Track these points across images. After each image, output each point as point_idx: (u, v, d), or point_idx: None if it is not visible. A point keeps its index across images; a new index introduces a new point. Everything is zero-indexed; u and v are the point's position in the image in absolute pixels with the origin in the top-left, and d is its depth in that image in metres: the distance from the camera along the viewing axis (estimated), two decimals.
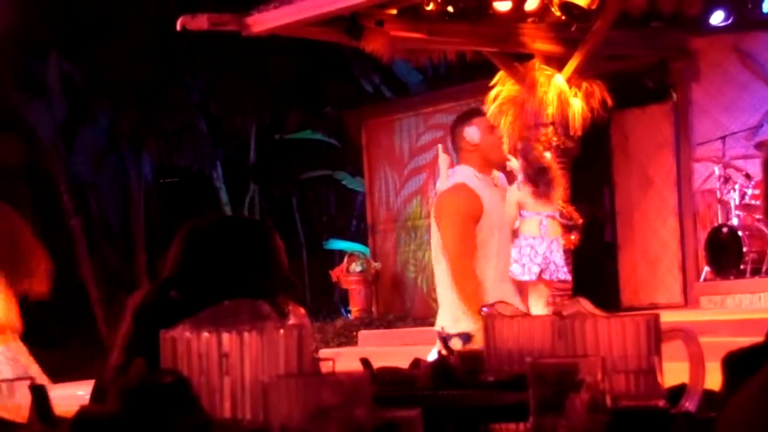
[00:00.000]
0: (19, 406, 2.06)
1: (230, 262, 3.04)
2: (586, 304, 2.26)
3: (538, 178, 9.78)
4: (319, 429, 1.47)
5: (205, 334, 1.82)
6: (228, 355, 1.80)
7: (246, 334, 1.81)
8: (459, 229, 6.12)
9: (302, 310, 1.90)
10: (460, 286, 6.08)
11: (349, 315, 15.53)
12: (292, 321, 1.86)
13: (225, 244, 3.09)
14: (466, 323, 6.01)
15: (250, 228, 3.26)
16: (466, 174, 6.20)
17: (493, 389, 2.32)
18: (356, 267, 15.49)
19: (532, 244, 9.77)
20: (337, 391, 1.48)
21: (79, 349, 15.99)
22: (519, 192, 9.80)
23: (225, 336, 1.81)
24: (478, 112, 6.67)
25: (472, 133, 6.19)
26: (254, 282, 3.01)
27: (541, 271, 9.77)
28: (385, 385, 2.40)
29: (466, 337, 5.96)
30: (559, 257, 9.90)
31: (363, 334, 13.56)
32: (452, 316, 6.11)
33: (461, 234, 6.12)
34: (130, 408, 1.71)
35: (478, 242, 6.10)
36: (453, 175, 6.32)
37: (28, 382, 1.99)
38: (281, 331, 1.83)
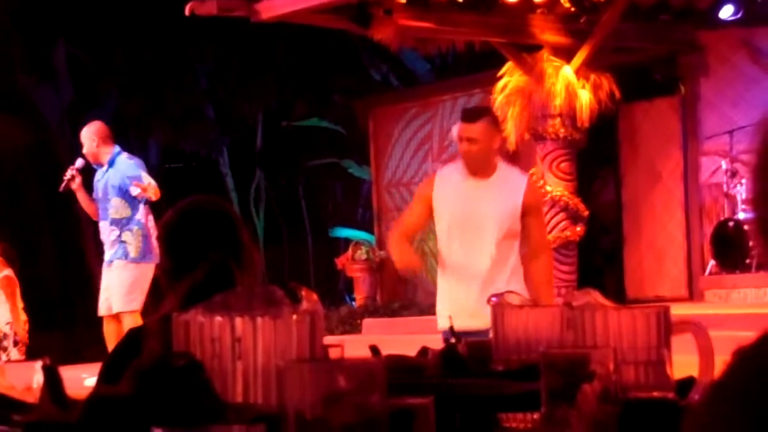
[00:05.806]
0: (30, 387, 2.07)
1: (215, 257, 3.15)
2: (596, 295, 2.26)
3: None
4: (332, 414, 1.48)
5: (218, 319, 1.82)
6: (241, 340, 1.81)
7: (259, 319, 1.81)
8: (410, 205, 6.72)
9: (314, 296, 1.90)
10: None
11: (353, 303, 15.52)
12: (305, 306, 1.86)
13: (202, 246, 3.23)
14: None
15: (216, 215, 3.33)
16: (449, 166, 6.33)
17: (503, 378, 2.33)
18: (361, 255, 15.48)
19: None
20: (352, 377, 1.49)
21: (84, 332, 16.00)
22: None
23: (238, 320, 1.81)
24: (483, 114, 6.35)
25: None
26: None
27: None
28: (394, 373, 2.40)
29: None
30: None
31: (367, 322, 13.55)
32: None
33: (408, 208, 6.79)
34: (143, 390, 1.72)
35: (439, 231, 6.22)
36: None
37: (39, 363, 1.99)
38: (294, 316, 1.83)
